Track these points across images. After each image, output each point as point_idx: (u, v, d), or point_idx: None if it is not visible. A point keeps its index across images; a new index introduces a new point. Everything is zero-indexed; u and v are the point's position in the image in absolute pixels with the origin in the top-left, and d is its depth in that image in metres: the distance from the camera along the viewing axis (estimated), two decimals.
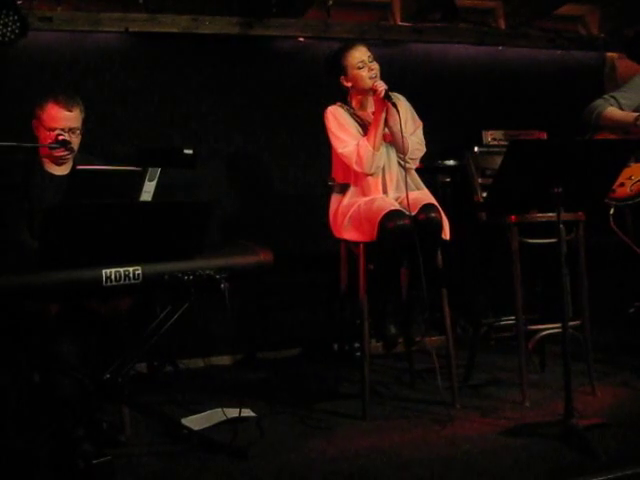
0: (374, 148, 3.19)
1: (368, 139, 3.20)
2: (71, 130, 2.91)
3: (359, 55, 3.26)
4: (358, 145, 3.20)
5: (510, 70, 4.85)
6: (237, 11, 4.25)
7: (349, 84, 3.31)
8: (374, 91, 3.19)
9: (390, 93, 3.16)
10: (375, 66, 3.26)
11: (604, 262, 4.01)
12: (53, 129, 2.88)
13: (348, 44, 3.35)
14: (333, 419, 3.14)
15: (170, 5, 4.18)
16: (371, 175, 3.25)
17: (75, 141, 2.93)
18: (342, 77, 3.31)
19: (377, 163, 3.23)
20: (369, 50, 3.29)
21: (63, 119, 2.89)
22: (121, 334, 2.85)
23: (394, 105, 3.13)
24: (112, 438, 2.81)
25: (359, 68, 3.24)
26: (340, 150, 3.25)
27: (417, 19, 4.62)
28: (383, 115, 3.19)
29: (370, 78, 3.23)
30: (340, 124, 3.28)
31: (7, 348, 2.67)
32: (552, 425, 2.78)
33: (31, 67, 3.91)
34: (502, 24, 4.85)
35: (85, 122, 2.99)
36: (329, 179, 3.41)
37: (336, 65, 3.31)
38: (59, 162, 2.95)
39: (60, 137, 2.86)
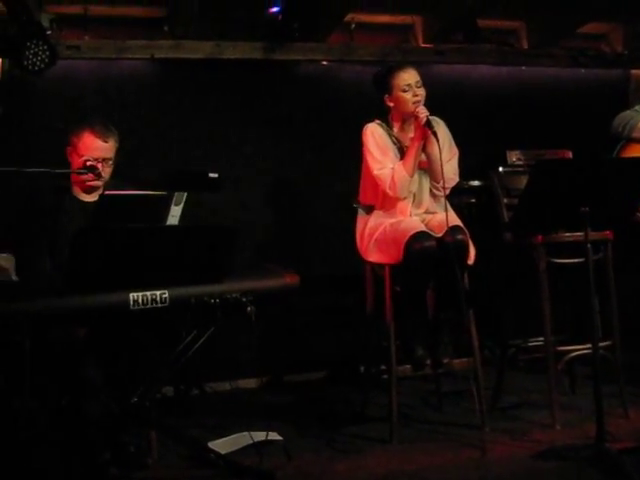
0: (409, 174, 3.17)
1: (404, 164, 3.18)
2: (104, 160, 2.94)
3: (407, 77, 3.22)
4: (394, 169, 3.18)
5: (533, 90, 4.83)
6: (260, 36, 4.30)
7: (391, 104, 3.28)
8: (415, 117, 3.17)
9: (430, 117, 3.13)
10: (421, 92, 3.22)
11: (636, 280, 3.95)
12: (86, 158, 2.92)
13: (399, 65, 3.31)
14: (360, 442, 3.11)
15: (194, 31, 4.24)
16: (402, 200, 3.24)
17: (107, 171, 2.96)
18: (386, 96, 3.28)
19: (410, 188, 3.21)
20: (419, 75, 3.25)
21: (98, 149, 2.93)
22: (147, 358, 2.86)
23: (434, 134, 3.10)
24: (139, 461, 2.81)
25: (404, 91, 3.21)
26: (376, 172, 3.23)
27: (439, 40, 4.64)
28: (422, 142, 3.16)
29: (413, 103, 3.19)
30: (378, 145, 3.25)
31: (35, 372, 2.69)
32: (584, 448, 2.73)
33: (59, 95, 3.98)
34: (525, 44, 4.85)
35: (118, 152, 3.03)
36: (355, 201, 3.41)
37: (383, 83, 3.28)
38: (87, 189, 2.98)
39: (88, 163, 2.90)
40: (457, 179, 3.32)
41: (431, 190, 3.29)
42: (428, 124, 3.11)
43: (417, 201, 3.30)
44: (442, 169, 3.11)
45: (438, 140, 3.10)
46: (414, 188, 3.25)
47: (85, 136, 2.93)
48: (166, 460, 2.90)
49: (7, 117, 3.82)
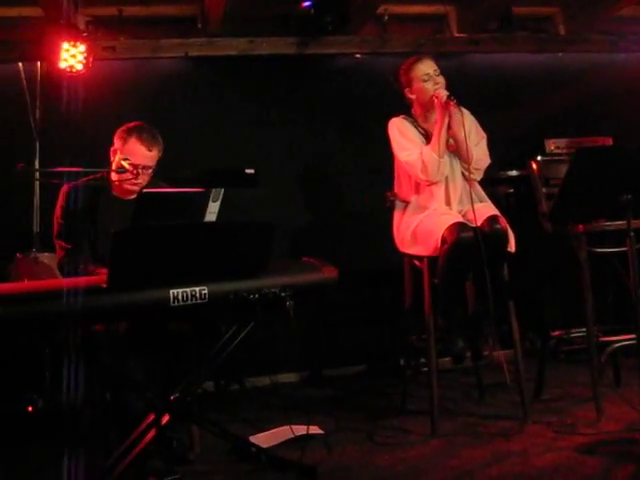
0: (438, 155, 3.16)
1: (432, 146, 3.18)
2: (144, 168, 2.96)
3: (424, 68, 3.24)
4: (422, 153, 3.18)
5: (571, 76, 4.74)
6: (293, 31, 4.30)
7: (413, 96, 3.30)
8: (436, 97, 3.17)
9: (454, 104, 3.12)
10: (440, 80, 3.23)
11: None
12: (129, 163, 2.93)
13: (415, 57, 3.32)
14: (401, 436, 3.11)
15: (227, 29, 4.27)
16: (435, 184, 3.22)
17: (144, 178, 2.98)
18: (407, 89, 3.30)
19: (442, 170, 3.19)
20: (436, 64, 3.27)
21: (142, 156, 2.95)
22: (188, 353, 2.89)
23: (457, 106, 3.10)
24: (181, 456, 2.85)
25: (424, 81, 3.23)
26: (404, 158, 3.24)
27: (474, 30, 4.59)
28: (446, 120, 3.16)
29: (435, 90, 3.20)
30: (403, 133, 3.27)
31: (80, 367, 2.74)
32: (630, 442, 2.69)
33: (96, 95, 4.03)
34: (561, 30, 4.76)
35: (159, 162, 3.04)
36: (391, 194, 3.40)
37: (402, 77, 3.30)
38: (124, 190, 3.00)
39: (124, 166, 2.91)
40: (488, 160, 3.30)
41: (464, 174, 3.26)
42: (449, 98, 3.10)
43: (452, 187, 3.26)
44: (467, 146, 3.12)
45: (462, 113, 3.10)
46: (446, 171, 3.23)
47: (132, 142, 2.95)
48: (208, 454, 2.93)
49: (45, 119, 3.89)
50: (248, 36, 4.28)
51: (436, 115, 3.22)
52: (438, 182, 3.23)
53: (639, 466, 2.52)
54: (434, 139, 3.19)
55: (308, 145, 4.40)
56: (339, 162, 4.44)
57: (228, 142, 4.26)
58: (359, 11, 4.26)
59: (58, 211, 2.97)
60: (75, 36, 3.76)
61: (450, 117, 3.16)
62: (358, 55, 4.50)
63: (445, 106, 3.13)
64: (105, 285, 2.30)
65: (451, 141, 3.23)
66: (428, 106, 3.28)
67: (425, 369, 3.24)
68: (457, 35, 4.61)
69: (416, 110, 3.35)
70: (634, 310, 2.69)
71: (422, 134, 3.30)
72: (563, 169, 2.78)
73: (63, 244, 2.92)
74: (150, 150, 2.96)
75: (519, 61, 4.74)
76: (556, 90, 4.71)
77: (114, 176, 2.98)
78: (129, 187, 2.95)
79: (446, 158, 3.21)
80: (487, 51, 4.64)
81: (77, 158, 3.29)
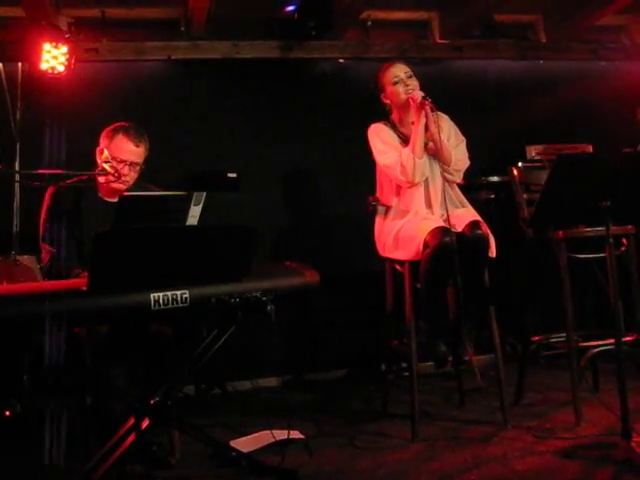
0: (416, 156, 3.18)
1: (410, 148, 3.20)
2: (132, 164, 2.96)
3: (395, 71, 3.29)
4: (400, 155, 3.21)
5: (552, 84, 4.79)
6: (277, 35, 4.31)
7: (387, 101, 3.35)
8: (412, 99, 3.20)
9: (433, 111, 3.15)
10: (412, 82, 3.27)
11: None
12: (116, 160, 2.93)
13: (388, 62, 3.39)
14: (382, 440, 3.11)
15: (211, 32, 4.26)
16: (415, 187, 3.24)
17: (131, 175, 2.98)
18: (382, 94, 3.35)
19: (421, 171, 3.21)
20: (408, 67, 3.32)
21: (129, 152, 2.96)
22: (169, 357, 2.87)
23: (433, 105, 3.12)
24: (161, 460, 2.83)
25: (395, 83, 3.28)
26: (383, 162, 3.26)
27: (456, 36, 4.62)
28: (423, 121, 3.18)
29: (406, 93, 3.24)
30: (382, 138, 3.31)
31: (60, 371, 2.72)
32: (609, 446, 2.71)
33: (78, 97, 4.01)
34: (543, 37, 4.81)
35: (147, 160, 3.05)
36: (373, 199, 3.41)
37: (378, 83, 3.35)
38: (109, 190, 2.98)
39: (109, 165, 2.90)
40: (468, 162, 3.34)
41: (444, 177, 3.27)
42: (424, 98, 3.14)
43: (432, 189, 3.28)
44: (442, 145, 3.18)
45: (434, 111, 3.13)
46: (426, 172, 3.24)
47: (118, 138, 2.96)
48: (188, 459, 2.91)
49: (26, 120, 3.85)
50: (232, 40, 4.28)
51: (413, 117, 3.25)
52: (418, 185, 3.24)
53: (618, 469, 2.55)
54: (412, 140, 3.21)
55: (291, 149, 4.40)
56: (320, 166, 4.44)
57: (211, 146, 4.25)
58: (342, 16, 4.27)
59: (44, 213, 2.95)
60: (57, 37, 3.72)
61: (427, 117, 3.18)
62: (341, 60, 4.52)
63: (421, 107, 3.17)
64: (86, 288, 2.28)
65: (430, 144, 3.26)
66: (404, 109, 3.32)
67: (406, 374, 3.25)
68: (440, 41, 4.64)
69: (394, 116, 3.39)
70: (613, 315, 2.71)
71: (401, 139, 3.32)
72: (544, 175, 2.80)
73: (48, 247, 2.90)
74: (137, 146, 2.97)
75: (501, 68, 4.78)
76: (538, 97, 4.76)
77: (100, 177, 2.97)
78: (116, 186, 2.94)
79: (425, 159, 3.24)
80: (469, 57, 4.68)
81: (59, 160, 3.27)
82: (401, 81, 3.27)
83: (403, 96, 3.25)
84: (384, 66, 3.36)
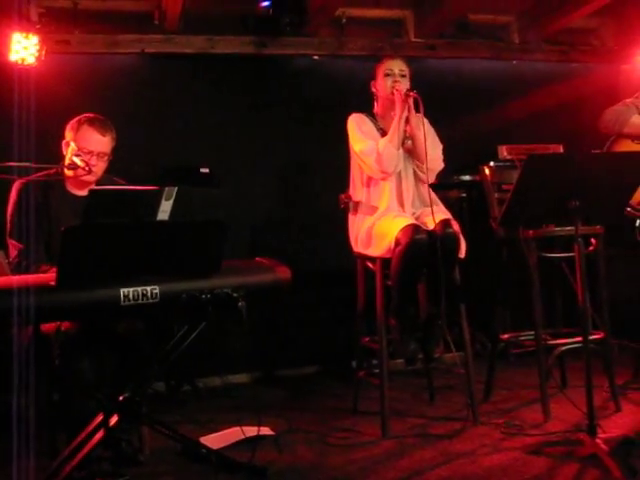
0: (394, 147, 3.20)
1: (389, 137, 3.22)
2: (99, 155, 2.93)
3: (391, 64, 3.32)
4: (377, 143, 3.22)
5: (524, 84, 4.83)
6: (251, 31, 4.29)
7: (374, 90, 3.38)
8: (396, 91, 3.22)
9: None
10: (403, 81, 3.28)
11: (629, 275, 3.96)
12: (83, 151, 2.90)
13: (390, 54, 3.49)
14: (353, 437, 3.12)
15: (185, 26, 4.23)
16: (385, 179, 3.25)
17: (100, 166, 2.95)
18: (373, 81, 3.38)
19: (395, 162, 3.21)
20: (406, 67, 3.34)
21: (95, 142, 2.92)
22: (138, 353, 2.85)
23: (416, 101, 3.14)
24: (131, 457, 2.81)
25: (386, 75, 3.30)
26: (359, 148, 3.27)
27: (430, 35, 4.64)
28: (404, 114, 3.20)
29: (392, 87, 3.26)
30: (361, 127, 3.32)
31: (26, 367, 2.68)
32: (575, 442, 2.74)
33: (49, 90, 3.95)
34: (516, 38, 4.85)
35: (114, 151, 3.02)
36: (345, 197, 3.41)
37: (374, 70, 3.38)
38: (79, 184, 2.95)
39: (79, 158, 2.87)
40: (442, 164, 3.36)
41: (417, 175, 3.29)
42: (408, 92, 3.18)
43: (405, 186, 3.30)
44: (419, 142, 3.20)
45: (419, 106, 3.14)
46: (400, 165, 3.25)
47: (84, 129, 2.93)
48: (158, 456, 2.89)
49: None
50: (206, 34, 4.25)
51: (395, 111, 3.25)
52: (389, 177, 3.25)
53: (584, 465, 2.59)
54: (391, 130, 3.23)
55: (264, 145, 4.38)
56: (294, 163, 4.44)
57: (184, 141, 4.21)
58: (317, 13, 4.27)
59: (10, 208, 2.90)
60: (27, 27, 3.67)
61: (409, 112, 3.19)
62: (316, 57, 4.51)
63: (405, 100, 3.18)
64: (54, 283, 2.26)
65: (408, 143, 3.27)
66: (387, 103, 3.32)
67: (377, 371, 3.26)
68: (414, 40, 4.66)
69: (377, 109, 3.40)
70: (581, 314, 2.75)
71: (380, 133, 3.33)
72: (515, 175, 2.83)
73: (16, 243, 2.85)
74: (104, 135, 2.94)
75: (474, 67, 4.81)
76: (510, 97, 4.79)
77: (68, 171, 2.93)
78: (86, 179, 2.91)
79: (401, 153, 3.25)
80: (443, 56, 4.70)
81: (27, 153, 3.23)
82: (393, 75, 3.29)
83: (389, 90, 3.27)
84: (385, 57, 3.42)
